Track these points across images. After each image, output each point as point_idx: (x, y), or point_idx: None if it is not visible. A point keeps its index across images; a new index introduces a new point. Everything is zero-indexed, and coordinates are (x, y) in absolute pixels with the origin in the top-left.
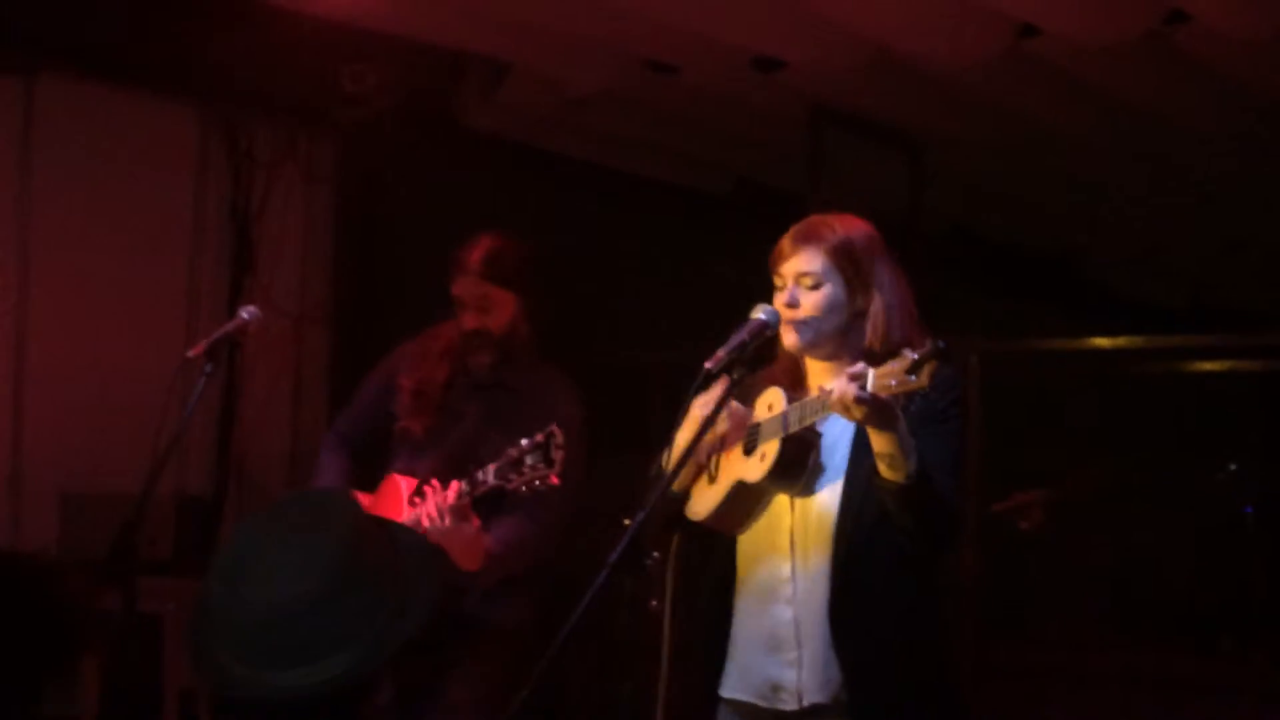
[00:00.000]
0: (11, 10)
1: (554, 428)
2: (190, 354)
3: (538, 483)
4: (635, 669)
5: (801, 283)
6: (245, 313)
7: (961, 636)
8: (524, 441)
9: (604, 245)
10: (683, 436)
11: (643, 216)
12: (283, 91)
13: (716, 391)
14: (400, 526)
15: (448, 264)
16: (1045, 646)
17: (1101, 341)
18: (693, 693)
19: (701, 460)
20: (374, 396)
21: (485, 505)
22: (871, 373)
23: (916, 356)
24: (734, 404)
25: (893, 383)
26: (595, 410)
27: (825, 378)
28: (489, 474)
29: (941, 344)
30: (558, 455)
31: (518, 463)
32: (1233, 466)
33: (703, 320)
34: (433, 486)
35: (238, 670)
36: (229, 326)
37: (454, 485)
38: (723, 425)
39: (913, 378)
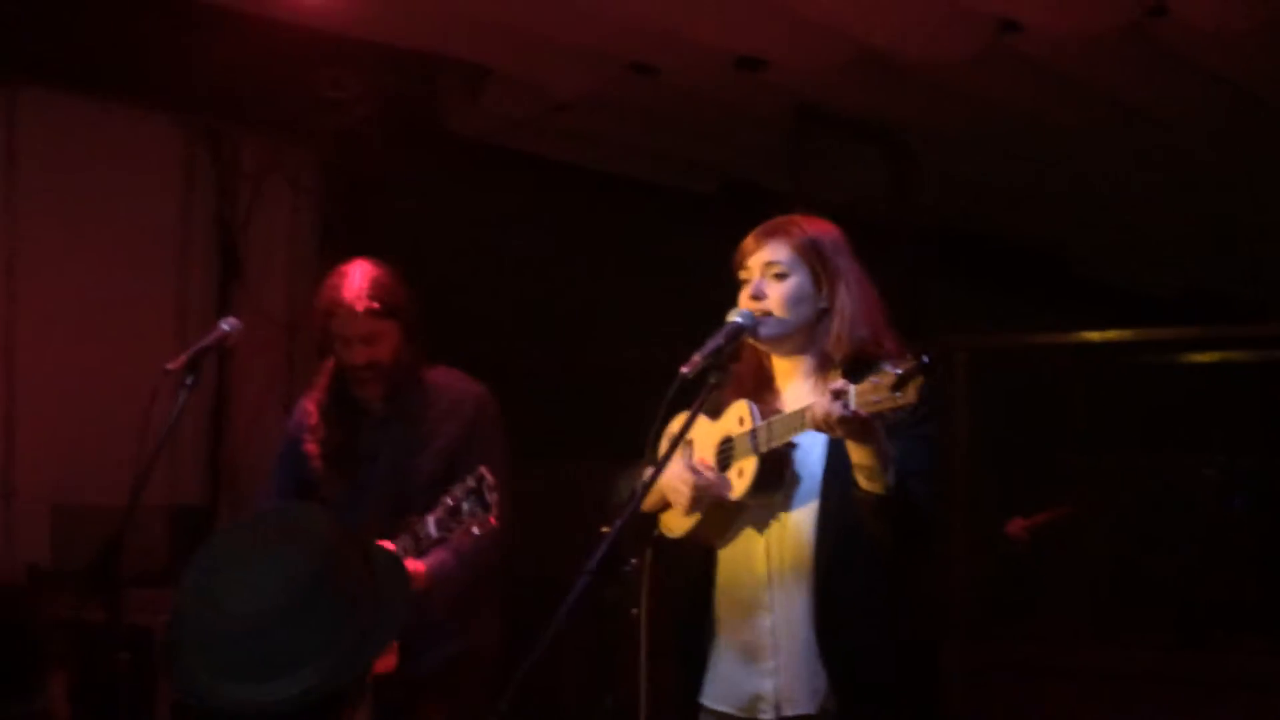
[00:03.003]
0: None
1: (482, 470)
2: (170, 367)
3: (476, 529)
4: (618, 678)
5: (768, 273)
6: (225, 324)
7: (954, 636)
8: (457, 489)
9: (590, 247)
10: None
11: (628, 218)
12: (266, 102)
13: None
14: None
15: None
16: (1040, 642)
17: (1091, 335)
18: (671, 701)
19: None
20: (288, 468)
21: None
22: (853, 389)
23: (901, 372)
24: (707, 469)
25: (876, 399)
26: (580, 411)
27: (792, 376)
28: (430, 527)
29: (925, 359)
30: (492, 498)
31: (455, 511)
32: (1223, 458)
33: (690, 320)
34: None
35: (209, 682)
36: (208, 339)
37: (390, 546)
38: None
39: (898, 394)
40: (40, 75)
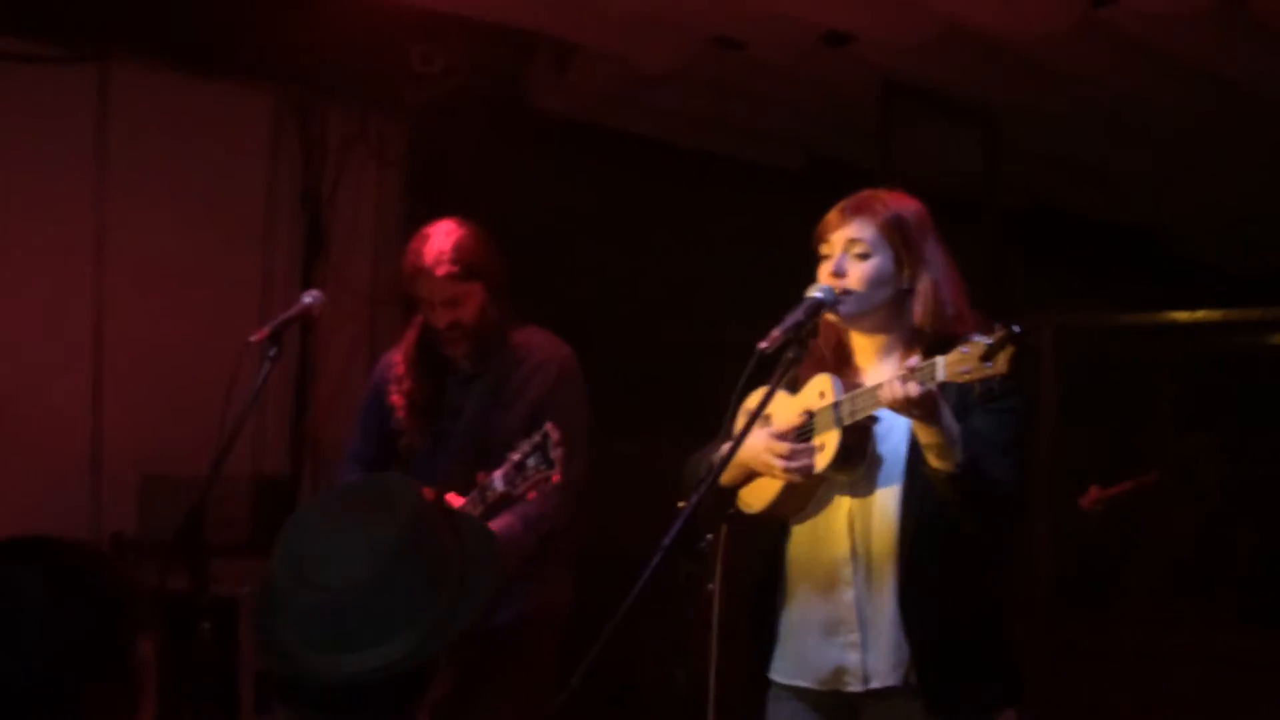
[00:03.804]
0: None
1: (549, 427)
2: (252, 339)
3: (540, 486)
4: (691, 653)
5: (850, 250)
6: (308, 297)
7: (1035, 617)
8: (523, 445)
9: (674, 223)
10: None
11: (714, 194)
12: (353, 75)
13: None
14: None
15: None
16: (1121, 622)
17: (1181, 315)
18: (741, 676)
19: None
20: (372, 417)
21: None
22: (942, 361)
23: (991, 341)
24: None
25: (966, 369)
26: (664, 388)
27: (871, 354)
28: (497, 482)
29: (1016, 328)
30: (556, 455)
31: (520, 466)
32: None
33: (776, 297)
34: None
35: (300, 653)
36: (291, 311)
37: (460, 500)
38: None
39: (988, 364)
40: (131, 49)
